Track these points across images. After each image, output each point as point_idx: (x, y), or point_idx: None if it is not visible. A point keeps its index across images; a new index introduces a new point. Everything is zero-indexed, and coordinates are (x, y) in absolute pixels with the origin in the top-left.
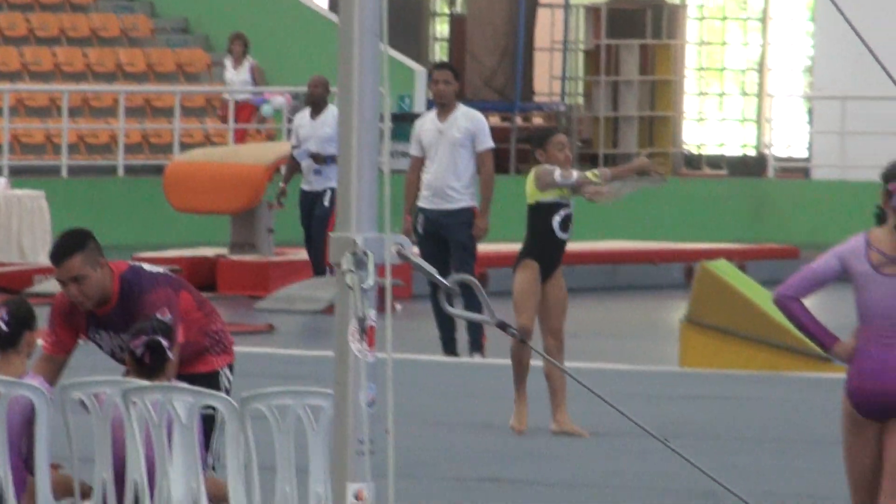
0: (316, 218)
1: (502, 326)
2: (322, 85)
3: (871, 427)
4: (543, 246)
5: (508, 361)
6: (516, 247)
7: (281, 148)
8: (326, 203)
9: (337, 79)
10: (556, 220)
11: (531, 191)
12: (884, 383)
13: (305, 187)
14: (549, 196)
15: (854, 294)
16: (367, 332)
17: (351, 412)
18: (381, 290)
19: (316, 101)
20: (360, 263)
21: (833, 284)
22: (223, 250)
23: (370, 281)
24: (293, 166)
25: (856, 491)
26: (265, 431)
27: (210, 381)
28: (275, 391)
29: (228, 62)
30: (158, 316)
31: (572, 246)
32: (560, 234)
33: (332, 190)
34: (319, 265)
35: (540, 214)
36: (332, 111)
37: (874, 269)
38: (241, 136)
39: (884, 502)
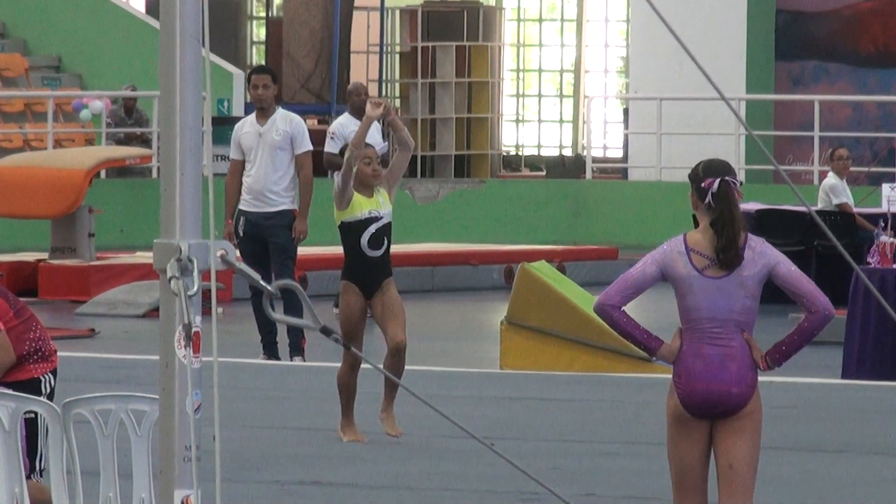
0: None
1: (325, 332)
2: (365, 92)
3: (699, 427)
4: (356, 265)
5: (329, 363)
6: (336, 250)
7: (101, 152)
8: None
9: (159, 84)
10: (365, 237)
11: (335, 212)
12: (716, 383)
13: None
14: (354, 214)
15: (677, 297)
16: (192, 339)
17: (177, 419)
18: (204, 294)
19: (360, 108)
20: (184, 270)
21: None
22: (44, 255)
23: (195, 287)
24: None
25: (680, 491)
26: (88, 436)
27: (30, 388)
28: (97, 396)
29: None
30: None
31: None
32: (370, 252)
33: None
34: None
35: (347, 234)
36: None
37: (699, 273)
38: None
39: (722, 502)
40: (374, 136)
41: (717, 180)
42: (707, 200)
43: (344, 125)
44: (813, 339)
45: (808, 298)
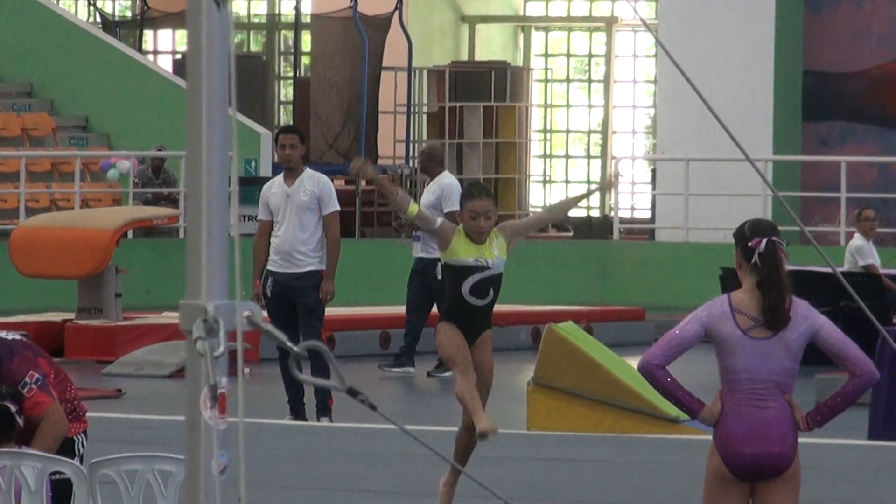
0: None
1: (352, 393)
2: (439, 154)
3: (740, 488)
4: (456, 309)
5: (356, 424)
6: (363, 310)
7: (128, 213)
8: (439, 276)
9: (186, 143)
10: (467, 284)
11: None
12: (762, 446)
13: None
14: (459, 258)
15: (718, 358)
16: (218, 400)
17: (203, 480)
18: (231, 355)
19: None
20: (210, 330)
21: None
22: (70, 315)
23: (221, 348)
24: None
25: None
26: (115, 497)
27: (65, 449)
28: (124, 456)
29: None
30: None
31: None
32: (472, 300)
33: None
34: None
35: (449, 277)
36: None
37: (744, 333)
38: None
39: None
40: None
41: (765, 240)
42: (753, 260)
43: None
44: (855, 401)
45: (853, 362)
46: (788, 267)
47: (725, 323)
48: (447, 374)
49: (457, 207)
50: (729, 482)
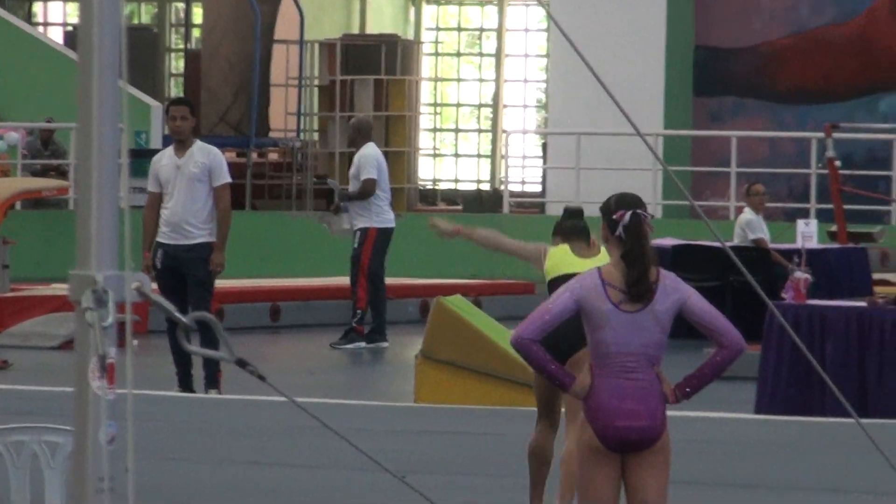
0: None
1: (241, 364)
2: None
3: (612, 460)
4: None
5: (245, 396)
6: (253, 282)
7: (16, 184)
8: (357, 244)
9: (77, 115)
10: None
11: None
12: (633, 418)
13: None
14: (561, 271)
15: (589, 331)
16: (107, 370)
17: (91, 451)
18: (120, 326)
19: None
20: (100, 301)
21: None
22: None
23: (110, 319)
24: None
25: None
26: (1, 469)
27: None
28: (10, 428)
29: None
30: None
31: (307, 281)
32: None
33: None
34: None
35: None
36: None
37: (615, 307)
38: None
39: None
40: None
41: (629, 213)
42: (618, 233)
43: None
44: (723, 373)
45: (720, 333)
46: (673, 241)
47: (597, 296)
48: (350, 346)
49: (371, 175)
50: (601, 454)
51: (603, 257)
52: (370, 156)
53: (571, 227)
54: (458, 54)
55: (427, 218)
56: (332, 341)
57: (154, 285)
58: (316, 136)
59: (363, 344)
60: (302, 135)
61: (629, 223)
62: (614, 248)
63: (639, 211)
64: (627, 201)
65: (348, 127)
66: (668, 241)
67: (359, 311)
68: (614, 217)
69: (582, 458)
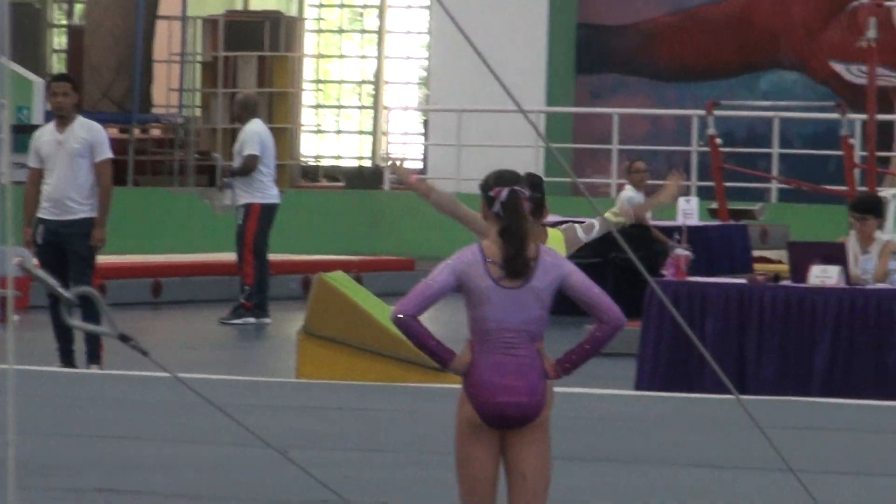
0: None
1: (124, 339)
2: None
3: (491, 436)
4: None
5: (127, 371)
6: (134, 258)
7: None
8: (241, 220)
9: None
10: None
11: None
12: (512, 394)
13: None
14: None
15: (469, 307)
16: None
17: None
18: (0, 301)
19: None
20: None
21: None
22: None
23: None
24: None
25: (469, 500)
26: None
27: None
28: None
29: None
30: None
31: (189, 257)
32: None
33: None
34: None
35: None
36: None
37: (495, 283)
38: None
39: None
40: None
41: (507, 190)
42: (495, 209)
43: None
44: (603, 348)
45: (600, 308)
46: (554, 218)
47: (478, 272)
48: (239, 321)
49: (253, 151)
50: (480, 429)
51: (553, 238)
52: (254, 132)
53: (531, 201)
54: (341, 31)
55: (307, 194)
56: (220, 317)
57: (35, 261)
58: (199, 112)
59: (252, 319)
60: (185, 111)
61: (506, 200)
62: (492, 225)
63: (516, 188)
64: (506, 178)
65: (234, 103)
66: (550, 218)
67: (246, 288)
68: (492, 194)
69: (460, 434)
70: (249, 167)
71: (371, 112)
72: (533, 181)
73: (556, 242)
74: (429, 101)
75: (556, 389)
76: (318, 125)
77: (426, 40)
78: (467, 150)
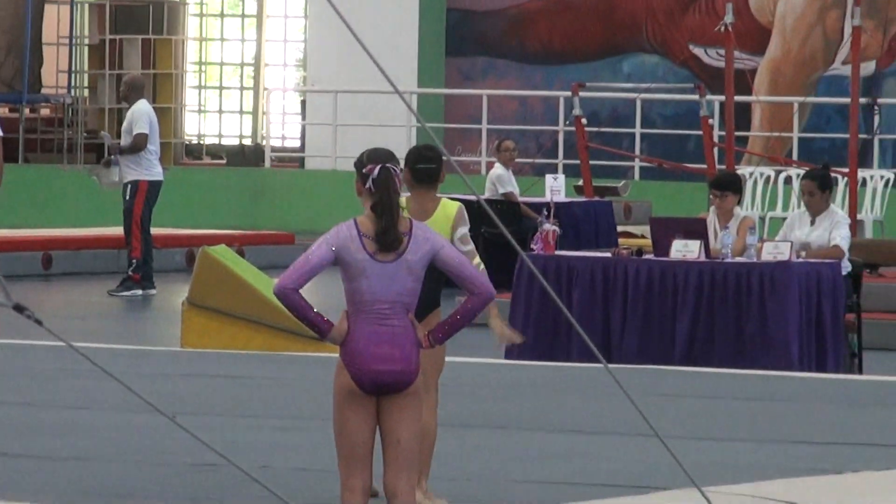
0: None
1: (19, 309)
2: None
3: (368, 403)
4: None
5: (20, 341)
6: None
7: None
8: (129, 196)
9: None
10: None
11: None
12: (387, 363)
13: None
14: None
15: (345, 280)
16: None
17: None
18: None
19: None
20: None
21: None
22: None
23: None
24: None
25: (349, 465)
26: None
27: None
28: None
29: None
30: None
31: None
32: None
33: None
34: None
35: None
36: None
37: (370, 257)
38: None
39: (389, 475)
40: None
41: (379, 167)
42: (368, 186)
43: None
44: (474, 319)
45: (470, 281)
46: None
47: (353, 247)
48: (127, 293)
49: (142, 130)
50: (357, 396)
51: (444, 208)
52: (143, 111)
53: (425, 172)
54: (222, 15)
55: (190, 170)
56: (109, 289)
57: None
58: (87, 92)
59: (139, 291)
60: (73, 91)
61: (378, 177)
62: (366, 201)
63: (388, 165)
64: (378, 156)
65: (122, 84)
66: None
67: (134, 261)
68: (365, 171)
69: (338, 401)
70: (139, 145)
71: (252, 93)
72: (428, 154)
73: (444, 214)
74: (306, 82)
75: None
76: (202, 105)
77: (304, 24)
78: (343, 129)
